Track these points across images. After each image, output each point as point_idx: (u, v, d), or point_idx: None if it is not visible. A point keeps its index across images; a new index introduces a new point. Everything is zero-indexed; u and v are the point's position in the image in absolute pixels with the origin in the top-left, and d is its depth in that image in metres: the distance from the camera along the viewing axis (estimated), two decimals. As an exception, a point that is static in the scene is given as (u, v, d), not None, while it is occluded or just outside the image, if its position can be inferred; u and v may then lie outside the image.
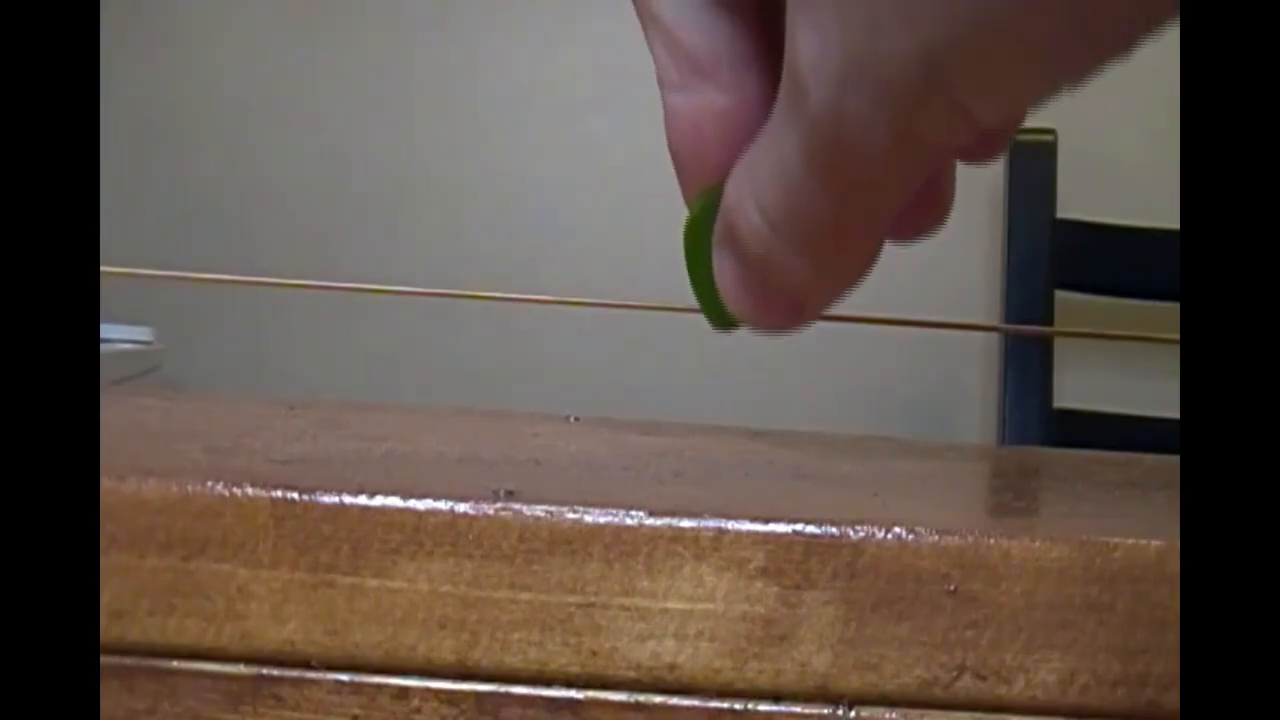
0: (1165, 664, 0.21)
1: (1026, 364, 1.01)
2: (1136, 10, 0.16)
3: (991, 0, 0.16)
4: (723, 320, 0.23)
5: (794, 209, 0.20)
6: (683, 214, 0.24)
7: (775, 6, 0.19)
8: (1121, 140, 1.12)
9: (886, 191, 0.20)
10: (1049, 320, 1.01)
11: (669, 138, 0.23)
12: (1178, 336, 0.17)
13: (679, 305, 0.25)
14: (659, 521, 0.21)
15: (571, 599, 0.21)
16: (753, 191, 0.21)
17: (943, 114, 0.18)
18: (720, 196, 0.22)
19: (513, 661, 0.21)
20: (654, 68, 0.22)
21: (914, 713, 0.21)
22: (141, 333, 1.03)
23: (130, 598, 0.21)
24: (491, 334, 1.18)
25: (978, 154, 0.22)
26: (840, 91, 0.18)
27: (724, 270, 0.22)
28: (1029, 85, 0.17)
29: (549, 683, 0.21)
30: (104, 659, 0.21)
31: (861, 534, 0.21)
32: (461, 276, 1.17)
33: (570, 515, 0.21)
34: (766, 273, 0.21)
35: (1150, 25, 0.16)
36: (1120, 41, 0.17)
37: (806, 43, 0.18)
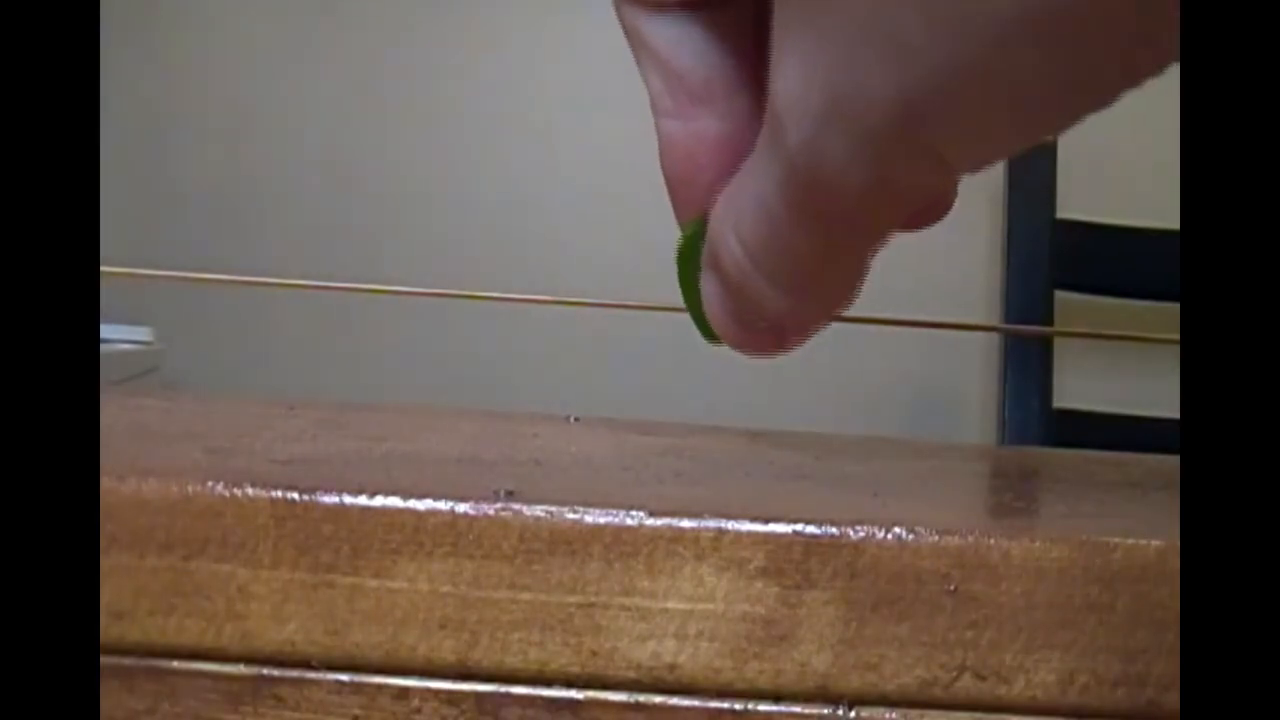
0: (1165, 664, 0.21)
1: (1026, 364, 1.01)
2: (1119, 66, 0.16)
3: (972, 52, 0.16)
4: (713, 335, 0.24)
5: (772, 243, 0.20)
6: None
7: (769, 31, 0.19)
8: (1121, 140, 1.12)
9: (864, 231, 0.20)
10: (1049, 320, 1.01)
11: (663, 163, 0.23)
12: (1178, 336, 0.17)
13: (679, 305, 0.25)
14: (659, 521, 0.21)
15: (571, 599, 0.21)
16: (734, 223, 0.21)
17: (920, 160, 0.18)
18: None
19: (513, 661, 0.21)
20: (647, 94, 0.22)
21: (914, 713, 0.21)
22: (141, 333, 1.03)
23: (130, 598, 0.21)
24: (491, 334, 1.18)
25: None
26: (818, 131, 0.18)
27: (709, 294, 0.22)
28: (1008, 135, 0.17)
29: (549, 683, 0.21)
30: (104, 659, 0.21)
31: (861, 534, 0.21)
32: (461, 276, 1.17)
33: (570, 515, 0.21)
34: (746, 301, 0.21)
35: (1133, 79, 0.16)
36: (1102, 95, 0.17)
37: (787, 81, 0.18)
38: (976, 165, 0.18)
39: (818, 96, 0.17)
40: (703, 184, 0.22)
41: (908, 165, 0.18)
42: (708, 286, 0.22)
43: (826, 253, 0.20)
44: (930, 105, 0.17)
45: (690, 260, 0.23)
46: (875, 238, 0.20)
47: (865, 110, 0.17)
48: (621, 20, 0.22)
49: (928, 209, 0.23)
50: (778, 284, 0.21)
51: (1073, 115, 0.17)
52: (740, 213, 0.21)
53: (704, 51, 0.22)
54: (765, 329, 0.22)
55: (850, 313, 0.27)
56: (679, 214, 0.23)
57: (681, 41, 0.22)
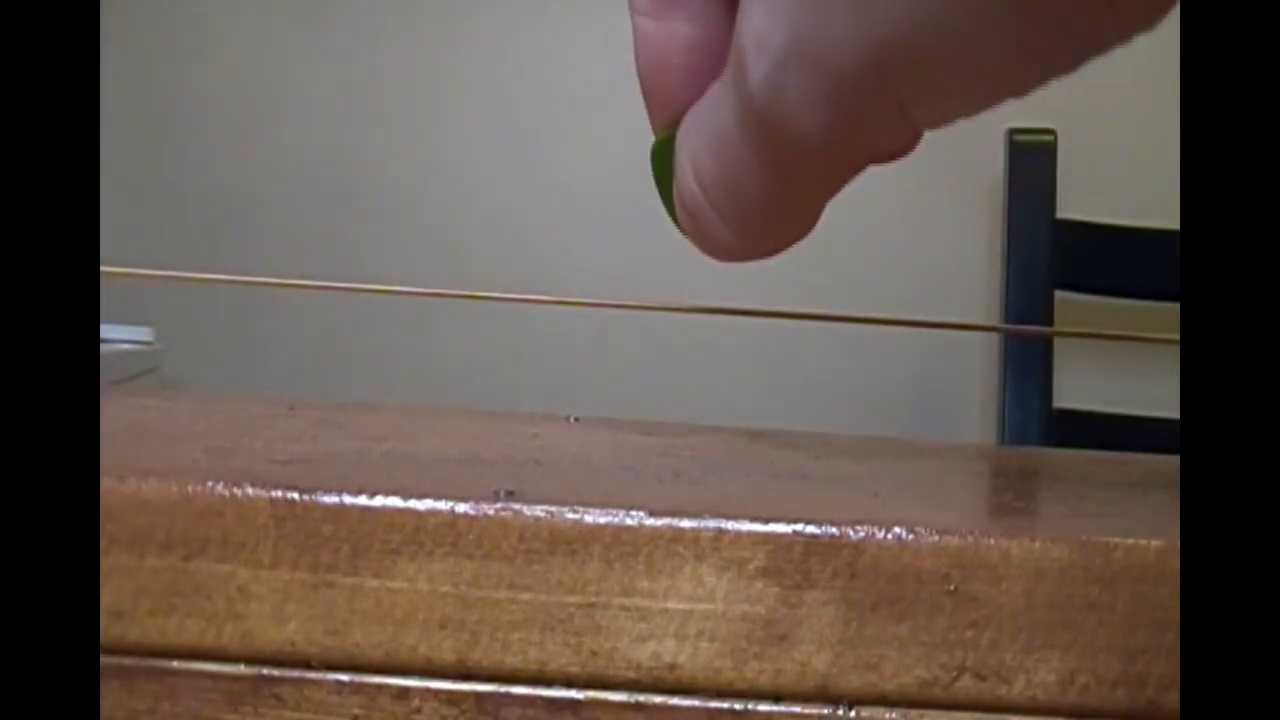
0: (1165, 664, 0.21)
1: (1026, 364, 1.01)
2: (1086, 31, 0.16)
3: (937, 8, 0.16)
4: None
5: (726, 181, 0.20)
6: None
7: None
8: (1121, 140, 1.12)
9: (816, 179, 0.20)
10: (1049, 320, 1.02)
11: (637, 63, 0.22)
12: (1178, 336, 0.17)
13: (679, 305, 0.25)
14: (659, 521, 0.21)
15: (571, 599, 0.21)
16: (692, 155, 0.21)
17: (880, 111, 0.17)
18: None
19: (513, 661, 0.21)
20: None
21: (914, 713, 0.21)
22: (141, 333, 1.03)
23: (130, 598, 0.21)
24: (491, 334, 1.19)
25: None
26: (780, 71, 0.18)
27: (677, 200, 0.22)
28: (972, 93, 0.17)
29: (549, 683, 0.21)
30: (104, 659, 0.21)
31: (861, 534, 0.21)
32: (462, 276, 1.17)
33: (570, 515, 0.21)
34: (700, 228, 0.22)
35: (1100, 45, 0.16)
36: (1067, 59, 0.16)
37: (754, 16, 0.18)
38: (939, 121, 0.18)
39: (781, 36, 0.17)
40: (675, 87, 0.22)
41: (867, 115, 0.18)
42: (675, 192, 0.22)
43: (780, 196, 0.20)
44: (893, 58, 0.16)
45: (664, 162, 0.23)
46: (831, 185, 0.20)
47: (827, 56, 0.17)
48: None
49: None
50: (728, 221, 0.21)
51: (1039, 77, 0.17)
52: (698, 144, 0.21)
53: None
54: (715, 248, 0.22)
55: (850, 313, 0.27)
56: (653, 119, 0.23)
57: None
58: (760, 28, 0.18)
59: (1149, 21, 0.16)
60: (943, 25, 0.16)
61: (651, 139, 0.23)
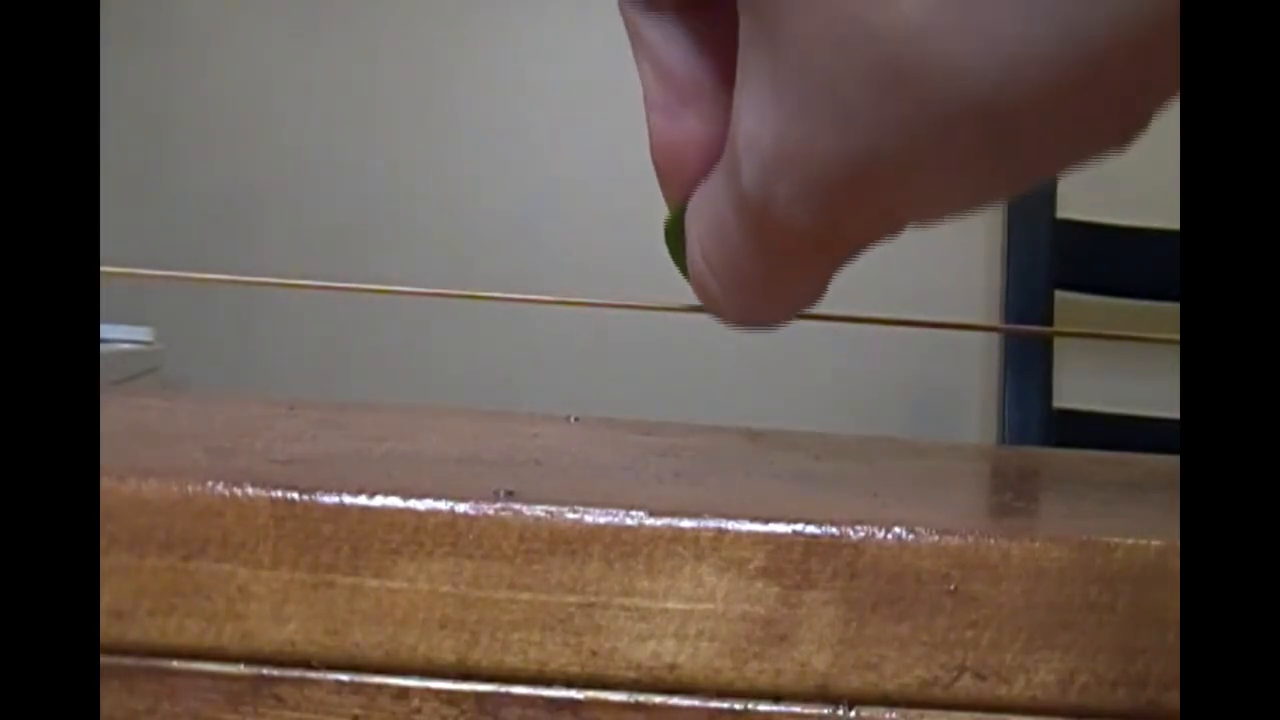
0: (1165, 664, 0.21)
1: (1026, 364, 1.01)
2: (1062, 156, 0.17)
3: (918, 133, 0.16)
4: None
5: (727, 260, 0.21)
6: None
7: None
8: (1121, 140, 1.12)
9: (813, 265, 0.20)
10: (1049, 320, 1.01)
11: (651, 150, 0.23)
12: (1178, 336, 0.17)
13: (679, 305, 0.25)
14: (659, 521, 0.21)
15: (571, 599, 0.21)
16: (698, 231, 0.22)
17: (868, 213, 0.18)
18: None
19: (513, 661, 0.21)
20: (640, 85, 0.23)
21: (914, 713, 0.21)
22: (141, 333, 1.03)
23: (130, 598, 0.21)
24: (492, 334, 1.19)
25: None
26: (769, 174, 0.18)
27: (689, 270, 0.23)
28: (958, 201, 0.18)
29: (549, 683, 0.21)
30: (104, 659, 0.21)
31: (861, 534, 0.21)
32: (462, 276, 1.17)
33: (570, 515, 0.21)
34: (708, 300, 0.23)
35: (1076, 164, 0.17)
36: (1046, 174, 0.17)
37: (745, 120, 0.18)
38: (928, 221, 0.18)
39: (770, 142, 0.18)
40: (687, 176, 0.23)
41: (855, 216, 0.18)
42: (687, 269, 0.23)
43: (778, 278, 0.21)
44: (877, 171, 0.17)
45: (676, 234, 0.24)
46: (828, 269, 0.21)
47: (813, 165, 0.17)
48: (622, 14, 0.23)
49: None
50: (732, 295, 0.22)
51: (1021, 188, 0.17)
52: (701, 223, 0.22)
53: (693, 54, 0.22)
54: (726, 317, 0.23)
55: (850, 313, 0.27)
56: (667, 197, 0.24)
57: (673, 40, 0.22)
58: (750, 132, 0.18)
59: (1123, 144, 0.16)
60: (922, 151, 0.16)
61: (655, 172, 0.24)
